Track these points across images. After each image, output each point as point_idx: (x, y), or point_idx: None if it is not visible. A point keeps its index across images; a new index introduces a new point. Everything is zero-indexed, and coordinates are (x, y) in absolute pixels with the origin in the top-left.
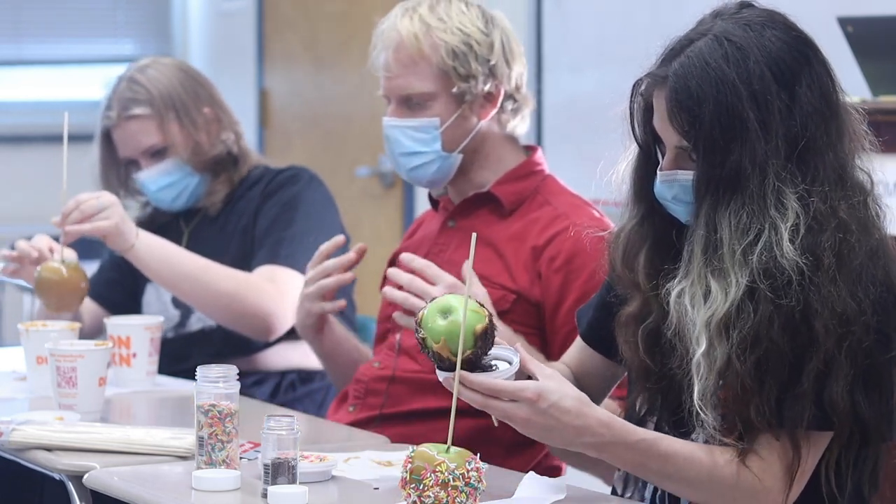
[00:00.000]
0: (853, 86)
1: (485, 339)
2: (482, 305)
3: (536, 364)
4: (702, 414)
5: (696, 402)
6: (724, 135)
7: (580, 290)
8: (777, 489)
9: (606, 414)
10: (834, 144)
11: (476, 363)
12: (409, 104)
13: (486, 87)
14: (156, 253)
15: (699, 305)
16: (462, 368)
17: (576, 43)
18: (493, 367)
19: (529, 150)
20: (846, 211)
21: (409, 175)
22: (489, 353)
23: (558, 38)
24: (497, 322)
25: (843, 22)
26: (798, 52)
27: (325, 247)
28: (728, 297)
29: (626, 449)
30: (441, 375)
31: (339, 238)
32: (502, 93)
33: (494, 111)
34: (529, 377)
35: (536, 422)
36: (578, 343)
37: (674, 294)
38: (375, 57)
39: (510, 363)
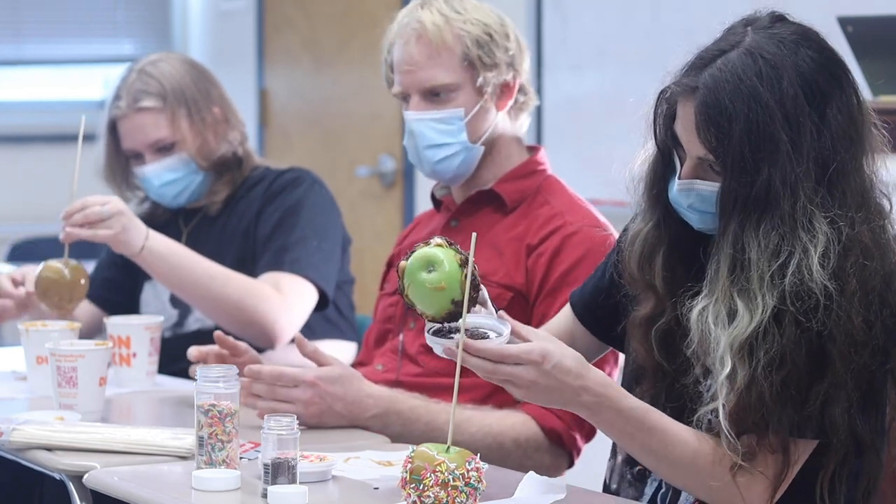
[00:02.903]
0: None
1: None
2: (459, 251)
3: (529, 328)
4: (728, 435)
5: (722, 423)
6: (753, 154)
7: (556, 281)
8: (761, 491)
9: (603, 375)
10: (860, 169)
11: (473, 299)
12: (432, 97)
13: (506, 78)
14: (166, 259)
15: (723, 325)
16: (451, 318)
17: (576, 43)
18: (486, 337)
19: (532, 150)
20: (868, 236)
21: (433, 168)
22: (478, 322)
23: (558, 38)
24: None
25: (843, 22)
26: (830, 73)
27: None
28: (754, 318)
29: (618, 414)
30: (435, 344)
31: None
32: (517, 84)
33: (511, 102)
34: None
35: (541, 383)
36: (568, 317)
37: (696, 311)
38: (392, 52)
39: (499, 333)
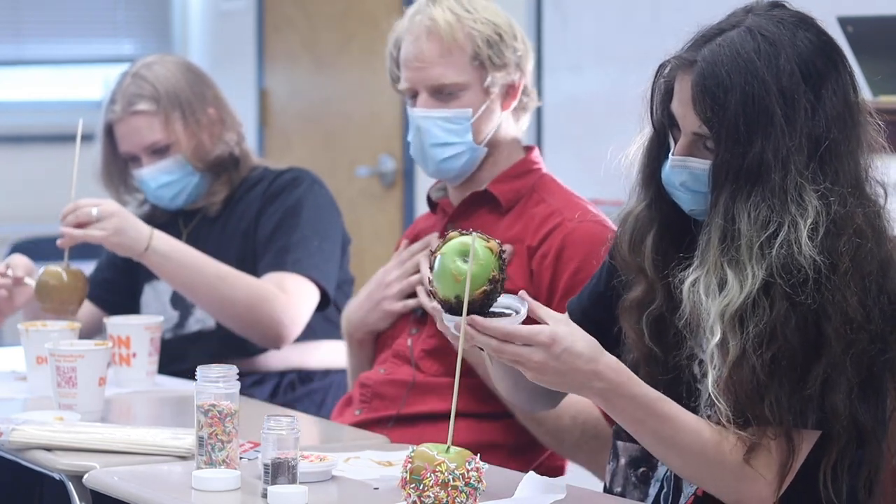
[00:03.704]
0: None
1: (495, 286)
2: (502, 255)
3: (546, 310)
4: (717, 403)
5: (710, 390)
6: (747, 126)
7: (567, 283)
8: (768, 483)
9: (616, 360)
10: (853, 152)
11: (485, 307)
12: (441, 95)
13: (513, 78)
14: (171, 259)
15: (714, 295)
16: (449, 309)
17: (576, 43)
18: (502, 315)
19: (526, 149)
20: (862, 218)
21: (437, 167)
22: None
23: (558, 38)
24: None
25: (843, 22)
26: (827, 56)
27: (416, 246)
28: (744, 289)
29: (630, 401)
30: (449, 321)
31: (430, 238)
32: (522, 84)
33: (515, 103)
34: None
35: (551, 366)
36: None
37: (687, 282)
38: (400, 48)
39: (517, 311)
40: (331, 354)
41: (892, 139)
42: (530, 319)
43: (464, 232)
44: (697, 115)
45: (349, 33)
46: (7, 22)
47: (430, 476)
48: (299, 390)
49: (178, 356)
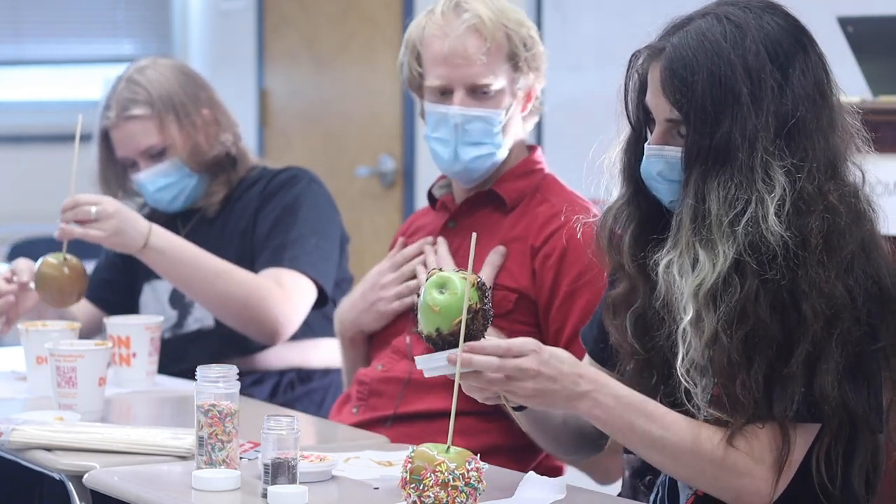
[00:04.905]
0: (853, 86)
1: (483, 315)
2: (482, 286)
3: (500, 339)
4: (685, 383)
5: (679, 371)
6: (715, 106)
7: (569, 286)
8: (763, 477)
9: (595, 370)
10: (824, 132)
11: (468, 338)
12: (476, 93)
13: (534, 83)
14: (169, 255)
15: (687, 275)
16: (431, 342)
17: (576, 43)
18: None
19: (529, 149)
20: (836, 197)
21: (466, 166)
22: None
23: (558, 38)
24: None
25: (843, 22)
26: (795, 38)
27: (410, 250)
28: (716, 267)
29: (617, 400)
30: (428, 367)
31: (424, 242)
32: (539, 89)
33: (530, 106)
34: None
35: (544, 373)
36: (586, 362)
37: (662, 265)
38: (423, 44)
39: None
40: (330, 353)
41: (893, 139)
42: None
43: (441, 270)
44: (667, 98)
45: (349, 33)
46: (7, 22)
47: (430, 476)
48: (299, 390)
49: (178, 356)
